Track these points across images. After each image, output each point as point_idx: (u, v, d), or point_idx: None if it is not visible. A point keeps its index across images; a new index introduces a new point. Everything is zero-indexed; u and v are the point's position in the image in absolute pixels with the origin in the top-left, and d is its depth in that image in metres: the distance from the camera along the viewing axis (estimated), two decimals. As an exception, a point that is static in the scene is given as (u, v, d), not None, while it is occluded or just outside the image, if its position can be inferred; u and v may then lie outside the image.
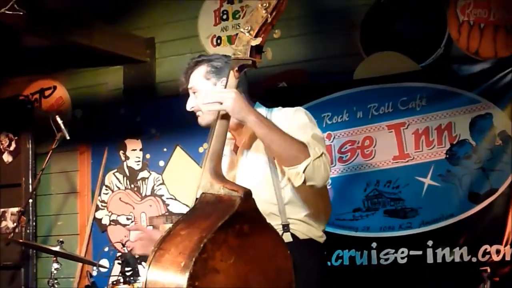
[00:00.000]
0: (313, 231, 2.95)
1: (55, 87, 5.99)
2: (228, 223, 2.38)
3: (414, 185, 4.40)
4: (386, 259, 4.40)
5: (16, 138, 6.02)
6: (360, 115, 4.59)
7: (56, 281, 4.66)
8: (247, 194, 2.47)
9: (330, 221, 4.43)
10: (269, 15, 2.64)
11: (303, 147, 2.70)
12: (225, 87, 2.71)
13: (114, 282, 4.48)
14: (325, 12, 4.95)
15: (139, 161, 5.60)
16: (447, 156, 4.34)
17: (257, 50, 2.66)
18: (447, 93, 4.36)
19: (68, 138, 5.08)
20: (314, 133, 2.87)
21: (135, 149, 5.63)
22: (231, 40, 5.16)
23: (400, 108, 4.47)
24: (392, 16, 4.71)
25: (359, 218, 4.53)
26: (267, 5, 2.63)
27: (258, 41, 2.64)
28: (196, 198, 2.60)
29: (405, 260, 4.35)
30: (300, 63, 4.96)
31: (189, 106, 3.00)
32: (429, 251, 4.30)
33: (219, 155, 2.66)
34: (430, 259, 4.29)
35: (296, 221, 2.91)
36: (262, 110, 3.05)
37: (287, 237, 2.85)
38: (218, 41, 5.30)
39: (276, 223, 2.82)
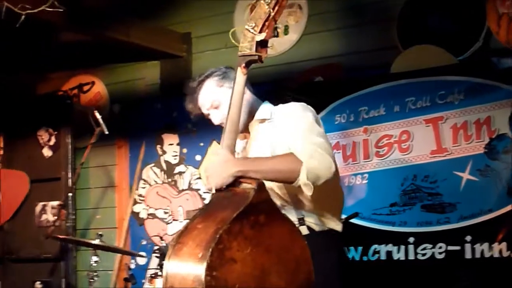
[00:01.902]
0: (329, 222, 2.97)
1: (93, 83, 6.05)
2: (243, 214, 2.43)
3: (452, 179, 4.34)
4: (424, 254, 4.36)
5: (55, 133, 6.07)
6: (397, 109, 4.54)
7: (95, 274, 4.72)
8: (261, 185, 2.53)
9: (367, 215, 4.47)
10: (271, 10, 2.66)
11: (291, 158, 2.71)
12: (233, 85, 2.75)
13: (153, 275, 4.52)
14: (362, 5, 4.92)
15: (176, 155, 5.63)
16: (486, 150, 4.27)
17: (262, 45, 2.71)
18: (486, 86, 4.28)
19: (106, 133, 5.15)
20: (309, 123, 2.88)
21: (172, 144, 5.65)
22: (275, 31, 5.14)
23: (438, 102, 4.42)
24: (430, 8, 4.66)
25: (396, 213, 4.48)
26: (269, 0, 2.67)
27: (262, 36, 2.68)
28: (212, 193, 2.65)
29: (443, 256, 4.30)
30: (336, 57, 4.94)
31: (218, 121, 3.06)
32: (468, 247, 4.24)
33: (231, 150, 2.71)
34: (468, 255, 4.23)
35: (310, 214, 2.93)
36: (267, 109, 3.07)
37: (303, 230, 2.86)
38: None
39: (290, 216, 2.81)
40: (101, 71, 6.07)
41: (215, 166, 2.67)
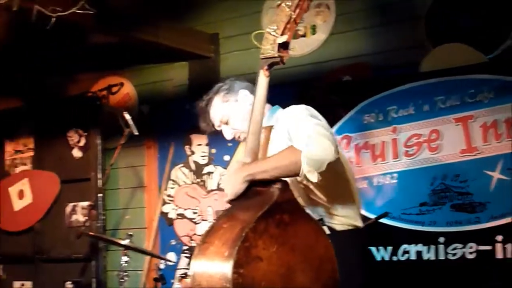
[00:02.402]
0: (348, 220, 2.98)
1: (122, 84, 6.08)
2: (268, 213, 2.45)
3: (482, 179, 4.32)
4: (454, 254, 4.34)
5: (85, 134, 6.11)
6: (427, 108, 4.53)
7: (125, 274, 4.76)
8: (285, 185, 2.56)
9: (396, 215, 4.47)
10: (292, 13, 2.67)
11: (291, 151, 2.72)
12: (256, 86, 2.75)
13: (182, 275, 4.55)
14: (389, 4, 4.91)
15: (204, 155, 5.65)
16: (516, 149, 4.27)
17: (284, 47, 2.71)
18: (516, 85, 4.29)
19: (136, 133, 5.19)
20: (303, 116, 2.86)
21: (201, 144, 5.68)
22: (294, 35, 5.13)
23: (468, 100, 4.40)
24: (458, 6, 4.64)
25: (426, 213, 4.47)
26: (291, 3, 2.68)
27: (284, 38, 2.69)
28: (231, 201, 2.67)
29: (473, 255, 4.28)
30: (364, 57, 4.93)
31: (230, 136, 3.14)
32: (499, 246, 4.21)
33: (255, 152, 2.73)
34: (499, 255, 4.20)
35: (327, 215, 2.94)
36: (273, 113, 3.09)
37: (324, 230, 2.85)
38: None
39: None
40: (130, 72, 6.11)
41: (228, 178, 2.72)
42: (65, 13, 4.08)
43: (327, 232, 2.86)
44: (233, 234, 2.42)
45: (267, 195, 2.57)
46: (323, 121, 2.90)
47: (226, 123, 3.13)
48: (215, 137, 5.57)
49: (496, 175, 4.28)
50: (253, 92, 2.93)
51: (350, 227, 2.97)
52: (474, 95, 4.38)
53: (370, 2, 4.98)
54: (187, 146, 5.73)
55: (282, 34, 2.68)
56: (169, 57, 5.74)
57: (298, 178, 2.75)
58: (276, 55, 2.68)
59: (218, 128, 3.19)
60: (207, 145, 5.65)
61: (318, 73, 5.05)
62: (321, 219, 2.91)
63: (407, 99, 4.60)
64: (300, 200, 2.91)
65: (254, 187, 2.64)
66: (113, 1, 4.97)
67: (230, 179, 2.70)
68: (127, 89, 6.08)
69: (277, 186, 2.57)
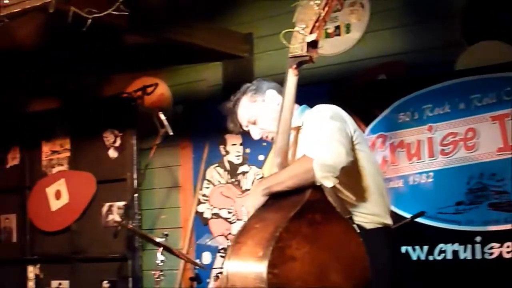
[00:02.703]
0: (377, 218, 2.97)
1: (156, 84, 6.07)
2: (300, 212, 2.47)
3: (520, 177, 4.30)
4: (491, 254, 4.30)
5: (121, 134, 6.15)
6: (462, 106, 4.50)
7: (161, 273, 4.78)
8: (316, 184, 2.56)
9: (432, 214, 4.44)
10: (321, 11, 2.68)
11: (303, 160, 2.71)
12: (285, 86, 2.77)
13: (218, 275, 4.56)
14: (424, 2, 4.88)
15: (239, 155, 5.66)
16: (556, 147, 4.23)
17: (313, 46, 2.71)
18: (555, 82, 4.24)
19: (171, 133, 5.21)
20: (321, 120, 2.85)
21: (235, 144, 5.69)
22: (329, 34, 5.13)
23: (505, 98, 4.35)
24: (494, 3, 4.60)
25: (462, 212, 4.44)
26: (319, 1, 2.69)
27: (313, 36, 2.69)
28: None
29: (510, 255, 4.24)
30: (399, 55, 4.92)
31: (257, 136, 3.15)
32: (539, 247, 4.21)
33: (285, 150, 2.74)
34: (540, 255, 4.19)
35: (359, 213, 2.93)
36: (300, 113, 3.06)
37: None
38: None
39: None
40: (164, 72, 6.14)
41: (248, 198, 2.78)
42: (101, 14, 4.08)
43: (357, 230, 2.85)
44: (266, 234, 2.44)
45: (298, 194, 2.57)
46: (346, 123, 2.90)
47: (254, 123, 3.14)
48: (249, 137, 5.59)
49: (534, 173, 4.26)
50: (280, 92, 2.96)
51: (379, 225, 2.97)
52: (511, 93, 4.34)
53: (405, 0, 4.97)
54: (221, 146, 5.75)
55: (311, 33, 2.69)
56: (203, 57, 5.76)
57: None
58: (305, 54, 2.70)
59: (245, 129, 3.20)
60: (241, 144, 5.66)
61: (352, 72, 5.04)
62: (350, 217, 2.91)
63: (442, 97, 4.57)
64: (331, 199, 2.89)
65: None
66: (147, 2, 5.00)
67: (249, 197, 2.76)
68: (162, 90, 6.10)
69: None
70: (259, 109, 3.09)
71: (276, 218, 2.51)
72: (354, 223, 2.90)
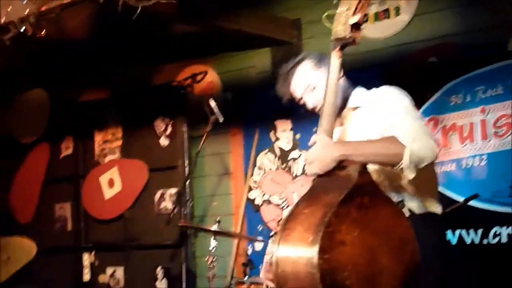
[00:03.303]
0: (428, 205, 2.95)
1: (206, 72, 6.08)
2: (349, 196, 2.46)
3: None
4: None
5: (171, 122, 6.18)
6: (516, 88, 4.46)
7: (214, 259, 4.83)
8: (363, 167, 2.55)
9: (486, 198, 4.40)
10: None
11: (394, 142, 2.69)
12: (329, 69, 2.76)
13: (271, 260, 4.60)
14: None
15: (289, 141, 5.67)
16: None
17: (356, 28, 2.70)
18: None
19: (221, 120, 5.24)
20: (404, 107, 2.85)
21: (285, 130, 5.70)
22: (378, 16, 5.11)
23: (559, 78, 4.31)
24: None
25: (519, 195, 4.41)
26: None
27: (356, 18, 2.67)
28: (314, 178, 2.67)
29: None
30: (449, 37, 4.86)
31: (312, 104, 3.07)
32: None
33: (329, 134, 2.72)
34: None
35: (409, 197, 2.91)
36: (360, 95, 3.05)
37: (404, 212, 2.84)
38: (365, 18, 5.27)
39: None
40: (213, 60, 6.15)
41: (316, 152, 2.69)
42: (150, 3, 4.07)
43: (407, 214, 2.85)
44: (316, 219, 2.44)
45: (345, 178, 2.57)
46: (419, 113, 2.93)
47: (312, 91, 3.07)
48: (300, 123, 5.63)
49: None
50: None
51: (428, 211, 2.95)
52: None
53: None
54: (271, 132, 5.77)
55: (354, 14, 2.67)
56: (251, 44, 5.76)
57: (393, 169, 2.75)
58: (348, 36, 2.68)
59: (298, 96, 3.12)
60: (291, 130, 5.67)
61: (403, 55, 5.01)
62: (402, 201, 2.90)
63: (495, 79, 4.51)
64: (385, 183, 2.89)
65: (332, 171, 2.62)
66: None
67: (318, 155, 2.67)
68: (211, 77, 6.12)
69: (355, 169, 2.55)
70: (322, 78, 2.94)
71: (324, 203, 2.50)
72: (404, 207, 2.89)
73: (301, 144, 5.61)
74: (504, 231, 4.40)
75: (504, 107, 4.49)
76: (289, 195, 5.65)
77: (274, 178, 5.75)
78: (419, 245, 2.60)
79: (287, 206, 5.63)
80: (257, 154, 5.85)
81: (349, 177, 2.55)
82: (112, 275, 6.49)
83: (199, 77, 6.06)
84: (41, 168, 7.04)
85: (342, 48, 2.73)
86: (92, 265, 6.62)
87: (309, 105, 3.10)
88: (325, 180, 2.64)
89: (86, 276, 6.62)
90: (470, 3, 4.82)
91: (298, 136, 5.64)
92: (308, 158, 2.73)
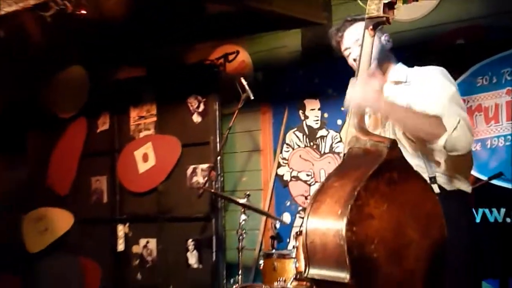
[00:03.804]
0: (459, 183, 2.95)
1: (237, 52, 6.11)
2: (378, 171, 2.45)
3: None
4: None
5: (204, 100, 6.18)
6: (541, 69, 4.41)
7: (243, 232, 4.86)
8: (393, 143, 2.54)
9: (510, 177, 4.36)
10: None
11: (437, 122, 2.71)
12: (361, 46, 2.76)
13: (298, 233, 4.63)
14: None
15: (317, 120, 5.67)
16: None
17: (389, 7, 2.69)
18: None
19: (252, 98, 5.24)
20: (452, 93, 2.85)
21: (314, 109, 5.70)
22: (406, 0, 5.07)
23: None
24: None
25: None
26: None
27: None
28: (344, 154, 2.68)
29: None
30: (476, 19, 4.81)
31: (355, 56, 3.02)
32: None
33: (362, 111, 2.72)
34: None
35: (441, 174, 2.91)
36: (402, 71, 3.04)
37: (434, 189, 2.83)
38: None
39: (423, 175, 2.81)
40: (245, 40, 6.15)
41: (359, 84, 2.72)
42: None
43: (437, 190, 2.85)
44: (345, 193, 2.44)
45: (375, 153, 2.56)
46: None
47: (360, 45, 2.95)
48: (328, 102, 5.62)
49: None
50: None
51: (459, 189, 2.95)
52: None
53: None
54: (300, 111, 5.77)
55: None
56: (282, 24, 5.74)
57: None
58: (381, 15, 2.68)
59: (347, 45, 3.11)
60: (319, 109, 5.67)
61: (430, 37, 4.96)
62: (434, 177, 2.90)
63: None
64: (421, 157, 2.90)
65: (363, 147, 2.61)
66: None
67: (362, 85, 2.70)
68: (243, 57, 6.12)
69: (385, 144, 2.55)
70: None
71: (354, 176, 2.48)
72: (436, 183, 2.89)
73: (328, 123, 5.61)
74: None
75: (530, 89, 4.46)
76: (316, 172, 5.66)
77: (302, 155, 5.76)
78: (449, 221, 2.59)
79: (315, 183, 5.64)
80: (286, 132, 5.85)
81: (379, 152, 2.53)
82: (145, 246, 6.55)
83: (231, 57, 6.09)
84: (78, 142, 7.10)
85: (375, 27, 2.73)
86: (126, 236, 6.69)
87: (353, 56, 3.09)
88: (355, 154, 2.64)
89: (121, 246, 6.68)
90: (497, -13, 4.76)
91: (326, 115, 5.63)
92: (351, 90, 2.75)
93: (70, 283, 6.90)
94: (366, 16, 2.72)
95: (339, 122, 5.54)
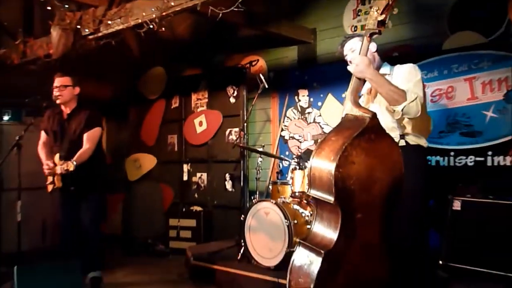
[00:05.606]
0: (419, 140, 2.88)
1: (258, 60, 6.04)
2: (361, 133, 2.40)
3: (480, 116, 4.19)
4: (460, 162, 4.27)
5: (237, 89, 6.13)
6: (446, 72, 4.38)
7: (260, 169, 4.89)
8: (374, 115, 2.48)
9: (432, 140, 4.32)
10: (390, 1, 2.56)
11: (402, 94, 2.64)
12: (361, 49, 2.66)
13: (292, 169, 4.66)
14: (419, 5, 4.66)
15: (306, 102, 5.61)
16: (504, 98, 4.08)
17: (381, 23, 2.59)
18: (505, 57, 4.07)
19: (266, 87, 5.20)
20: (417, 80, 2.78)
21: (304, 95, 5.64)
22: (363, 28, 5.03)
23: (473, 67, 4.23)
24: (470, 5, 4.40)
25: (443, 137, 4.37)
26: None
27: (382, 17, 2.57)
28: (342, 117, 2.63)
29: (472, 163, 4.20)
30: (407, 40, 4.75)
31: (350, 59, 2.95)
32: (489, 158, 4.12)
33: (357, 90, 2.67)
34: (489, 163, 4.11)
35: (408, 133, 2.85)
36: (387, 67, 2.96)
37: (402, 143, 2.78)
38: (355, 29, 5.18)
39: (396, 133, 2.78)
40: (263, 52, 6.07)
41: (358, 60, 2.60)
42: (227, 10, 3.77)
43: (403, 144, 2.76)
44: (337, 145, 2.38)
45: (361, 120, 2.45)
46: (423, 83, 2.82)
47: (353, 51, 2.96)
48: (313, 91, 5.57)
49: (489, 114, 4.15)
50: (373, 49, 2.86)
51: (419, 144, 2.87)
52: (477, 64, 4.21)
53: (405, 5, 4.73)
54: (296, 96, 5.71)
55: (381, 14, 2.57)
56: (286, 43, 5.67)
57: (390, 107, 2.67)
58: (376, 28, 2.58)
59: (345, 53, 3.01)
60: (308, 96, 5.61)
61: (380, 50, 4.85)
62: (403, 135, 2.81)
63: (433, 66, 4.46)
64: (396, 123, 2.79)
65: (354, 115, 2.48)
66: (252, 4, 4.92)
67: (360, 59, 2.60)
68: (261, 63, 6.04)
69: (369, 115, 2.43)
70: (358, 45, 2.79)
71: (345, 135, 2.40)
72: (404, 139, 2.80)
73: (313, 104, 5.53)
74: (433, 159, 4.36)
75: (438, 84, 4.43)
76: (305, 134, 5.61)
77: (296, 124, 5.71)
78: (411, 165, 2.50)
79: (303, 141, 5.59)
80: (287, 110, 5.78)
81: (364, 120, 2.43)
82: (200, 177, 6.53)
83: (254, 63, 6.01)
84: (159, 114, 7.04)
85: (371, 36, 2.62)
86: (188, 171, 6.66)
87: (348, 58, 3.00)
88: (348, 119, 2.52)
89: (185, 177, 6.67)
90: (415, 21, 4.68)
91: (311, 99, 5.56)
92: (354, 61, 2.63)
93: (154, 200, 6.92)
94: (366, 28, 2.60)
95: (319, 103, 5.48)
